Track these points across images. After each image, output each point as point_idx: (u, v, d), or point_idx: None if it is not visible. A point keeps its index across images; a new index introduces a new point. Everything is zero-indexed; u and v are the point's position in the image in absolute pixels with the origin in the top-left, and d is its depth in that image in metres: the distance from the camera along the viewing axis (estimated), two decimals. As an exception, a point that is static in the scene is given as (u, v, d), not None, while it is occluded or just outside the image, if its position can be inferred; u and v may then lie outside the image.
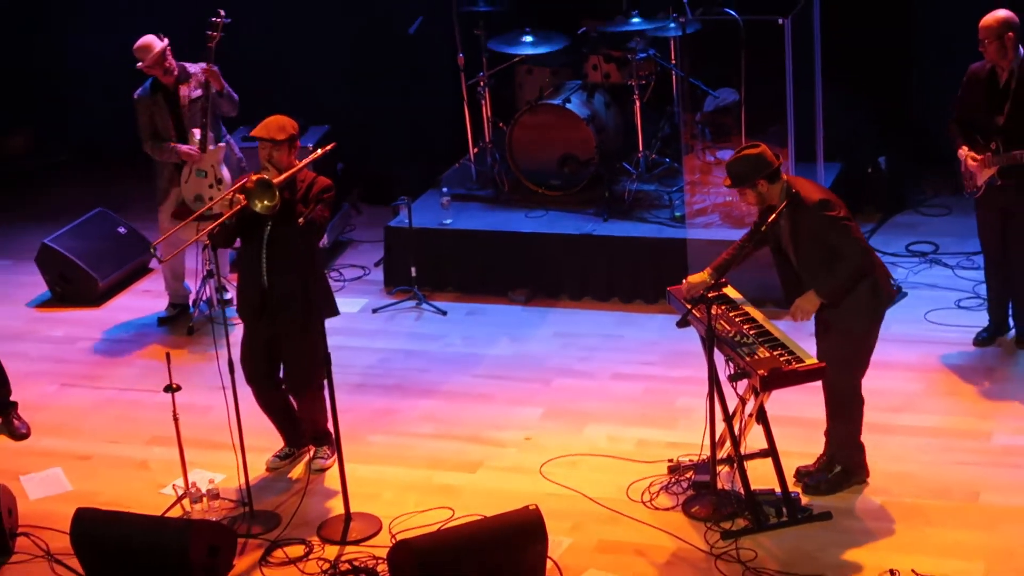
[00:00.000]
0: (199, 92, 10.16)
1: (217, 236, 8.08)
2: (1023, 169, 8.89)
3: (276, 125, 8.11)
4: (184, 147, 10.14)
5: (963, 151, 9.11)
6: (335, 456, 8.22)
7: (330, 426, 8.12)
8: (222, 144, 10.30)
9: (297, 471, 8.63)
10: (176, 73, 10.13)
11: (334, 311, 8.45)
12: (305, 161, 8.18)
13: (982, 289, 9.83)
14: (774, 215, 7.53)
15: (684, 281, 8.03)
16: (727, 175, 7.64)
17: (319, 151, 8.23)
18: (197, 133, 10.13)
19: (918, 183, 11.93)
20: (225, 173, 10.16)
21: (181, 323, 10.65)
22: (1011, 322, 9.54)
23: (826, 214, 7.48)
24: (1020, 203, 9.11)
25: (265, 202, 7.82)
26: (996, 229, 9.32)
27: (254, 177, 7.86)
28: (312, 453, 8.64)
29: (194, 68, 10.19)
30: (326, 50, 12.93)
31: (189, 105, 10.16)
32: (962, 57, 9.45)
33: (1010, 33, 8.81)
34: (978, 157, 9.00)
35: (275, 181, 7.89)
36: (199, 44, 10.06)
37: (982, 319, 9.65)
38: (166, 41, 10.05)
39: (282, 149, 8.10)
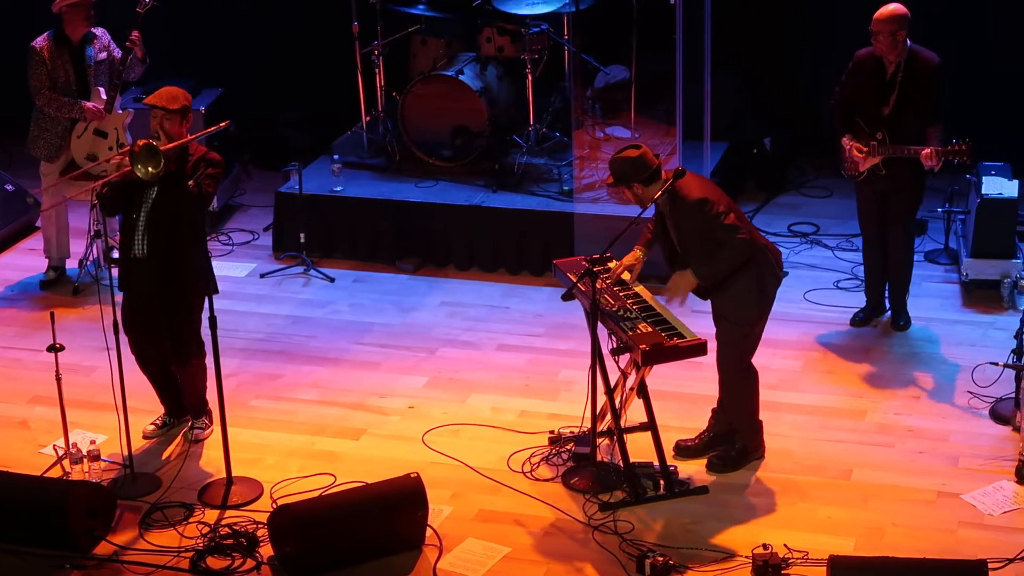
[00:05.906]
0: (104, 55, 10.08)
1: (104, 200, 8.02)
2: (907, 159, 9.05)
3: (169, 95, 8.09)
4: (90, 104, 10.03)
5: (847, 142, 9.24)
6: (212, 427, 8.20)
7: (210, 395, 8.08)
8: (130, 111, 10.21)
9: (179, 438, 8.60)
10: (89, 27, 10.01)
11: (214, 288, 8.09)
12: (196, 135, 8.15)
13: (860, 271, 10.00)
14: (658, 193, 7.63)
15: (619, 269, 8.07)
16: (609, 172, 7.81)
17: (212, 128, 8.22)
18: (103, 92, 10.04)
19: (801, 164, 12.09)
20: (129, 139, 10.05)
21: (65, 284, 10.56)
22: (887, 303, 9.73)
23: (706, 212, 7.61)
24: (899, 187, 9.28)
25: (150, 168, 7.74)
26: (875, 212, 9.49)
27: (141, 142, 7.81)
28: (190, 424, 8.59)
29: (97, 31, 10.10)
30: (221, 13, 12.82)
31: (95, 66, 10.06)
32: (846, 42, 9.61)
33: (902, 31, 8.96)
34: (864, 149, 9.15)
35: (162, 148, 7.84)
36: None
37: (860, 300, 9.83)
38: None
39: (174, 119, 8.05)
